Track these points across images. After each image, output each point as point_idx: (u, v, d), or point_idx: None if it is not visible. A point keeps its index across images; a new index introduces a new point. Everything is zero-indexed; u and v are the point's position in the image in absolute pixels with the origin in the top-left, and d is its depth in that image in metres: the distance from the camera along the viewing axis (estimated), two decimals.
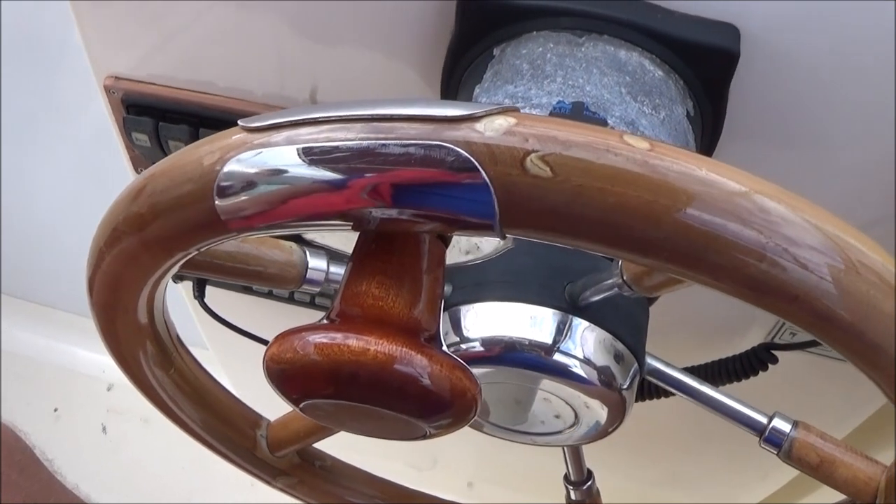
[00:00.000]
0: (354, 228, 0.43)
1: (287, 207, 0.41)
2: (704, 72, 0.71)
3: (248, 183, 0.41)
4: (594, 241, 0.38)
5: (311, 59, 0.85)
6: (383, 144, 0.38)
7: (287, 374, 0.46)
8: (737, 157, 0.80)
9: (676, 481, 1.63)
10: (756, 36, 0.70)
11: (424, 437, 0.50)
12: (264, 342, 0.92)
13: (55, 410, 2.22)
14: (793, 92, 0.74)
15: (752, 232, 0.36)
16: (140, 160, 1.03)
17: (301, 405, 0.48)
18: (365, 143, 0.38)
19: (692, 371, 0.71)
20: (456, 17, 0.72)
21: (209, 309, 1.01)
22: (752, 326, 1.05)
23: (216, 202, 0.42)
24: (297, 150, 0.40)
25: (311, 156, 0.39)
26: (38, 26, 2.08)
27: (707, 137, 0.75)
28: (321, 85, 0.87)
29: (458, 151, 0.37)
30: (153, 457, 2.12)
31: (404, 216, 0.40)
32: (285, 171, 0.40)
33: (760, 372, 0.93)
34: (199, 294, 1.05)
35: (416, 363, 0.43)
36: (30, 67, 2.13)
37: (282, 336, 0.46)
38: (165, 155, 0.94)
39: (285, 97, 0.90)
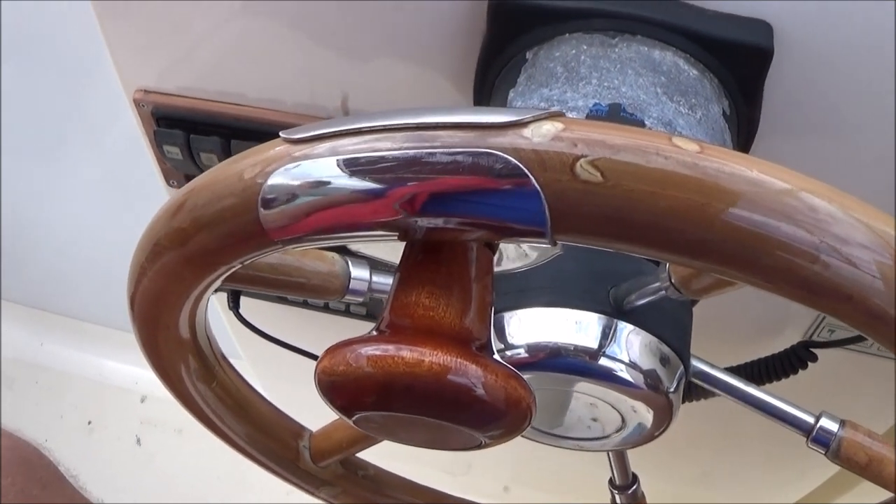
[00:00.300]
0: (401, 238, 0.43)
1: (333, 218, 0.41)
2: (739, 70, 0.70)
3: (293, 194, 0.41)
4: (646, 245, 0.38)
5: (341, 67, 0.85)
6: (430, 153, 0.38)
7: (340, 387, 0.46)
8: (772, 153, 0.79)
9: (711, 481, 1.62)
10: (789, 32, 0.70)
11: (479, 446, 0.50)
12: (302, 352, 0.92)
13: (88, 423, 2.22)
14: (827, 87, 0.74)
15: (804, 232, 0.36)
16: (172, 172, 1.03)
17: (354, 417, 0.48)
18: (411, 152, 0.38)
19: (732, 371, 0.71)
20: (487, 22, 0.72)
21: (245, 320, 1.01)
22: (789, 324, 1.04)
23: (261, 214, 0.42)
24: (342, 160, 0.39)
25: (356, 166, 0.39)
26: (64, 37, 2.09)
27: (743, 135, 0.75)
28: (352, 93, 0.87)
29: (506, 158, 0.37)
30: (188, 468, 2.12)
31: (453, 225, 0.39)
32: (330, 183, 0.40)
33: (800, 371, 0.92)
34: (234, 305, 1.04)
35: (471, 373, 0.43)
36: (57, 79, 2.14)
37: (333, 349, 0.46)
38: (197, 167, 0.94)
39: (316, 106, 0.90)
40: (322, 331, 1.23)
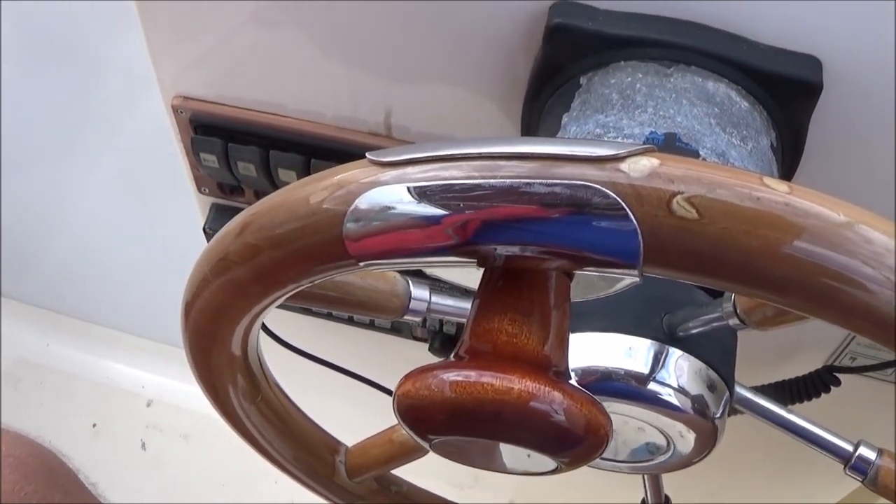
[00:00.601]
0: (480, 265, 0.43)
1: (418, 242, 0.41)
2: (788, 103, 0.71)
3: (380, 217, 0.41)
4: (736, 281, 0.38)
5: (385, 82, 0.86)
6: (528, 183, 0.38)
7: (422, 412, 0.46)
8: (813, 186, 0.79)
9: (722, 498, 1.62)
10: (838, 68, 0.71)
11: (555, 471, 0.50)
12: (332, 366, 0.92)
13: (94, 426, 2.22)
14: (872, 122, 0.74)
15: (882, 273, 0.36)
16: (205, 180, 1.04)
17: (433, 442, 0.49)
18: (508, 181, 0.38)
19: (757, 390, 0.71)
20: (542, 44, 0.72)
21: (271, 332, 1.01)
22: (812, 349, 1.05)
23: (345, 233, 0.42)
24: (432, 186, 0.40)
25: (449, 193, 0.40)
26: (81, 37, 2.10)
27: (787, 168, 0.75)
28: (396, 109, 0.88)
29: (605, 192, 0.37)
30: (193, 473, 2.12)
31: (544, 255, 0.40)
32: (418, 207, 0.40)
33: (823, 394, 0.93)
34: None
35: (555, 400, 0.44)
36: (73, 75, 2.15)
37: (414, 374, 0.47)
38: (234, 176, 0.94)
39: (358, 120, 0.90)
40: (344, 341, 1.23)
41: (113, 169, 2.22)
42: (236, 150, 0.95)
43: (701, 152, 0.65)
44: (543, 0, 0.72)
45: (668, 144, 0.65)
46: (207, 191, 1.06)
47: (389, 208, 0.41)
